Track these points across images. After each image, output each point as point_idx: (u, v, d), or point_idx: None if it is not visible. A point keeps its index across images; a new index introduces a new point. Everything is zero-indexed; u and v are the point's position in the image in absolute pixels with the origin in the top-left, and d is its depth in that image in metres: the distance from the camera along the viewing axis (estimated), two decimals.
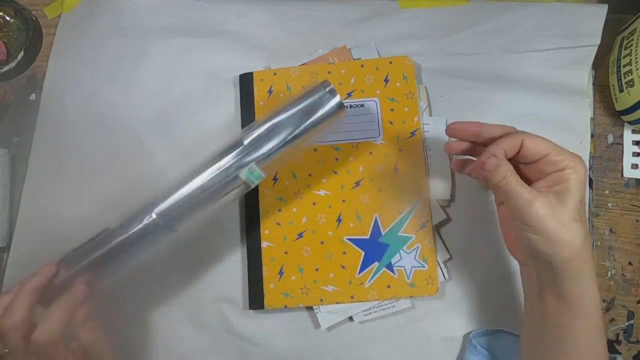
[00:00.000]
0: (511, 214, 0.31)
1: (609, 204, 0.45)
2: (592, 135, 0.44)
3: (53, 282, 0.35)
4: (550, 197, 0.29)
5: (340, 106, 0.36)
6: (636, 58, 0.41)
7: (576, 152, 0.43)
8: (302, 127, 0.35)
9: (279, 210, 0.43)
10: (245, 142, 0.35)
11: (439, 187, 0.44)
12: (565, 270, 0.29)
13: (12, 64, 0.50)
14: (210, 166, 0.35)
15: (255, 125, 0.36)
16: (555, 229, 0.29)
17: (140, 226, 0.35)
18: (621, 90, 0.43)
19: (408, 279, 0.42)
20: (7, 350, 0.32)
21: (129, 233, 0.35)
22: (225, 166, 0.35)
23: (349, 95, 0.45)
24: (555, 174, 0.30)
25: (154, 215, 0.35)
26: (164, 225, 0.35)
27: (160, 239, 0.36)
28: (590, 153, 0.44)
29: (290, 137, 0.35)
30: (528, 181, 0.31)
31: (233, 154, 0.35)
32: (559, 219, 0.29)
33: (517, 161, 0.32)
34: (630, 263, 0.43)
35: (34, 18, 0.52)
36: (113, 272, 0.36)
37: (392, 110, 0.44)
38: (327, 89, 0.36)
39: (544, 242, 0.29)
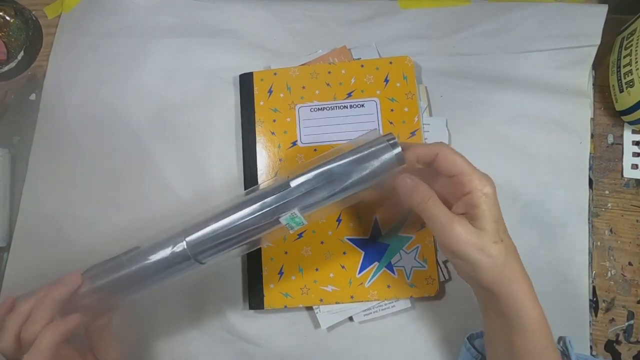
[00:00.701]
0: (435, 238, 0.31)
1: (609, 204, 0.45)
2: (592, 136, 0.44)
3: (76, 294, 0.34)
4: (467, 223, 0.30)
5: (399, 159, 0.32)
6: (636, 58, 0.41)
7: (573, 153, 0.44)
8: (355, 179, 0.32)
9: None
10: (292, 184, 0.32)
11: None
12: (494, 291, 0.30)
13: (12, 64, 0.50)
14: (251, 205, 0.33)
15: (305, 168, 0.33)
16: (473, 254, 0.29)
17: (167, 254, 0.33)
18: (621, 91, 0.43)
19: (408, 279, 0.42)
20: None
21: (156, 259, 0.33)
22: (267, 208, 0.32)
23: (349, 95, 0.45)
24: (465, 198, 0.30)
25: (184, 245, 0.33)
26: (191, 257, 0.33)
27: (187, 270, 0.34)
28: (590, 153, 0.44)
29: (340, 188, 0.32)
30: (448, 204, 0.31)
31: (277, 195, 0.33)
32: (477, 244, 0.29)
33: (438, 173, 0.32)
34: (630, 263, 0.43)
35: (34, 18, 0.52)
36: (135, 292, 0.35)
37: (392, 110, 0.44)
38: (389, 141, 0.32)
39: (466, 267, 0.30)
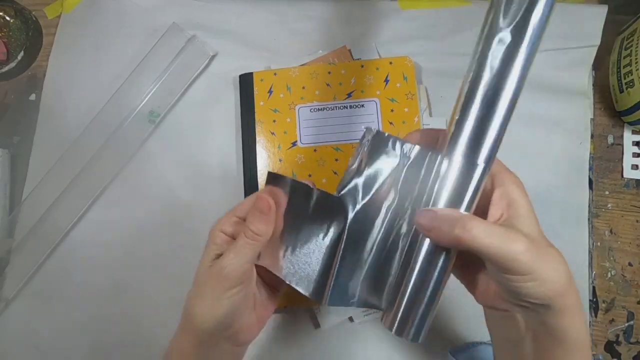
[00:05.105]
0: (491, 271, 0.25)
1: (609, 205, 0.45)
2: (592, 136, 0.44)
3: None
4: (519, 231, 0.24)
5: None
6: (636, 59, 0.41)
7: (573, 153, 0.44)
8: None
9: None
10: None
11: None
12: (559, 306, 0.24)
13: (13, 64, 0.50)
14: None
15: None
16: (541, 268, 0.23)
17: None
18: (621, 91, 0.43)
19: None
20: None
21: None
22: None
23: (349, 95, 0.45)
24: (498, 195, 0.25)
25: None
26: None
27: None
28: (591, 154, 0.44)
29: None
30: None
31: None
32: (537, 254, 0.23)
33: None
34: (630, 264, 0.43)
35: (34, 18, 0.52)
36: None
37: (392, 110, 0.44)
38: None
39: (537, 286, 0.23)
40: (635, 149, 0.45)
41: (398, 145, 0.27)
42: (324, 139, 0.44)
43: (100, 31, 0.51)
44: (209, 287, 0.28)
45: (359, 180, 0.27)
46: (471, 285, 0.28)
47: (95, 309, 0.45)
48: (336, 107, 0.45)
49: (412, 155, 0.27)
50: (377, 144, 0.27)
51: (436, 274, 0.26)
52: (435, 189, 0.26)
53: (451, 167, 0.25)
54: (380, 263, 0.28)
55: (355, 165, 0.28)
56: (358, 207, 0.27)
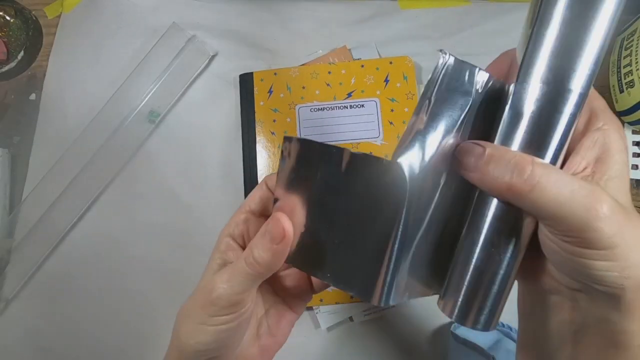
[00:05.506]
0: (550, 238, 0.18)
1: None
2: None
3: None
4: (603, 192, 0.17)
5: None
6: (636, 59, 0.41)
7: None
8: None
9: None
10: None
11: None
12: (633, 301, 0.18)
13: (13, 64, 0.50)
14: None
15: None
16: (626, 245, 0.17)
17: None
18: (621, 91, 0.43)
19: None
20: None
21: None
22: None
23: (349, 95, 0.45)
24: (593, 136, 0.19)
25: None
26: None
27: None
28: None
29: None
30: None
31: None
32: (625, 226, 0.17)
33: None
34: None
35: (34, 18, 0.52)
36: None
37: (392, 110, 0.44)
38: None
39: (614, 268, 0.17)
40: (636, 149, 0.45)
41: (473, 76, 0.19)
42: (324, 139, 0.44)
43: (100, 31, 0.51)
44: (197, 306, 0.24)
45: (425, 136, 0.19)
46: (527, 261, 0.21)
47: (95, 309, 0.45)
48: (336, 107, 0.45)
49: (486, 89, 0.20)
50: (455, 77, 0.19)
51: (510, 244, 0.19)
52: (505, 131, 0.19)
53: (527, 97, 0.18)
54: (443, 237, 0.21)
55: (421, 112, 0.19)
56: (417, 172, 0.18)
